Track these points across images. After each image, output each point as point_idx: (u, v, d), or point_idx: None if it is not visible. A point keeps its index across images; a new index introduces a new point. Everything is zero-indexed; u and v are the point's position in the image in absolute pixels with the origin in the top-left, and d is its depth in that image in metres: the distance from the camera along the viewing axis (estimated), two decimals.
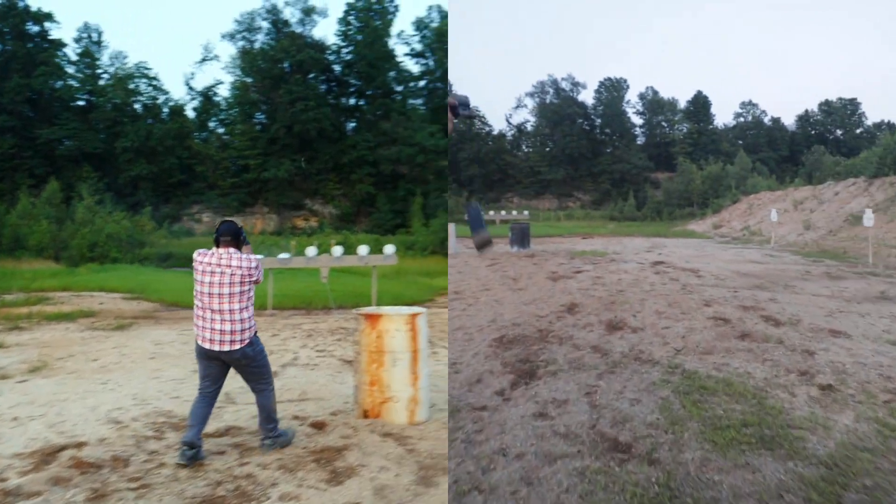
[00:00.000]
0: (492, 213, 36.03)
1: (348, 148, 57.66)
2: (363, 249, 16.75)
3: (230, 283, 6.29)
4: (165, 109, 59.71)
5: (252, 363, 6.45)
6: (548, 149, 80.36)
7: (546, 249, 26.50)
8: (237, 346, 6.30)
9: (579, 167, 78.06)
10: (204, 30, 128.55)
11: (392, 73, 61.16)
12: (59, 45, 58.07)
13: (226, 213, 56.53)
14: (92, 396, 8.38)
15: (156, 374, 9.74)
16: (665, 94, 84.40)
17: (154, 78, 58.93)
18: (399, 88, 62.11)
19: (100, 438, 6.67)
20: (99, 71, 59.76)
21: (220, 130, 62.33)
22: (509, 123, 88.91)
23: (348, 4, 60.82)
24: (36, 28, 56.74)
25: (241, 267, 6.38)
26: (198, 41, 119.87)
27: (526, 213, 33.91)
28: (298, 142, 57.10)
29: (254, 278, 6.48)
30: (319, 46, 60.83)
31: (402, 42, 69.98)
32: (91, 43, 60.14)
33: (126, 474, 5.77)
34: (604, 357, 8.11)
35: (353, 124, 62.01)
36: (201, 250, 6.51)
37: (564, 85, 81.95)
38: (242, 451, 6.34)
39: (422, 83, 65.37)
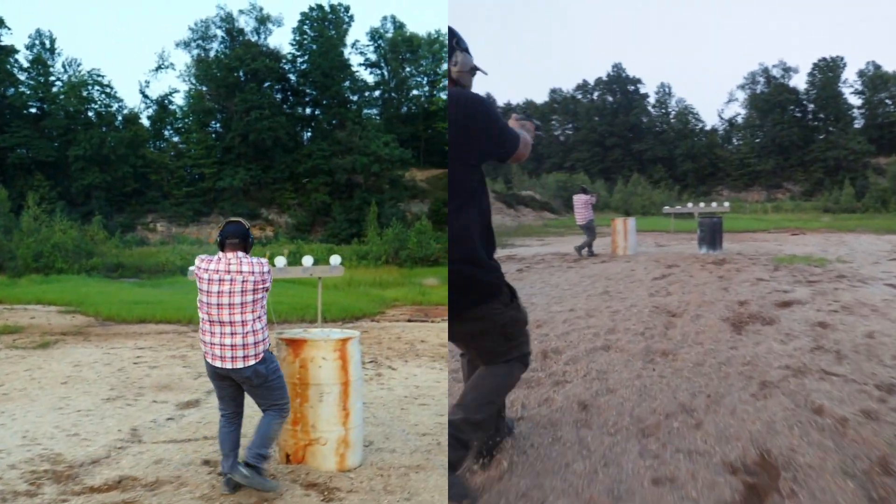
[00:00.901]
0: (689, 204, 31.02)
1: (304, 157, 56.39)
2: (307, 260, 15.43)
3: (241, 292, 5.31)
4: (119, 117, 57.89)
5: (265, 382, 5.41)
6: (757, 140, 78.12)
7: (743, 252, 20.16)
8: (250, 363, 5.29)
9: (790, 156, 74.55)
10: (159, 38, 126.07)
11: (347, 83, 59.92)
12: (11, 51, 55.93)
13: (181, 221, 54.90)
14: None
15: (61, 403, 8.37)
16: (890, 67, 77.55)
17: (108, 85, 57.02)
18: (354, 98, 60.93)
19: None
20: (52, 78, 57.70)
21: (176, 139, 60.68)
22: (721, 118, 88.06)
23: (303, 14, 59.64)
24: None
25: (252, 272, 5.34)
26: (153, 49, 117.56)
27: (726, 204, 29.47)
28: (254, 150, 55.66)
29: (266, 284, 5.44)
30: (274, 55, 59.46)
31: (357, 52, 68.95)
32: (44, 50, 58.13)
33: None
34: None
35: (308, 133, 60.74)
36: (204, 256, 5.47)
37: (775, 72, 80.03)
38: None
39: (377, 93, 64.32)
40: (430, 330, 15.10)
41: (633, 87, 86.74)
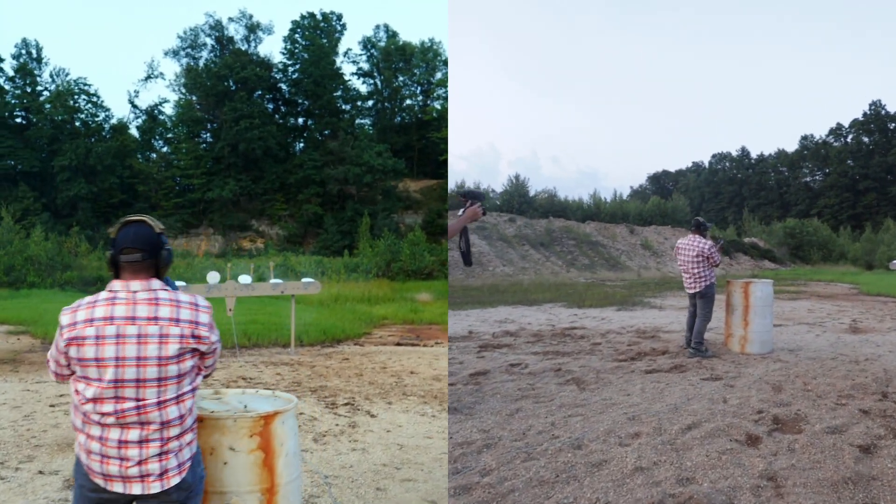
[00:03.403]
0: None
1: (295, 167, 54.10)
2: (275, 279, 13.12)
3: (160, 358, 2.79)
4: (107, 127, 55.44)
5: (189, 497, 2.91)
6: None
7: None
8: (173, 480, 2.82)
9: None
10: (148, 46, 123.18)
11: (339, 92, 57.65)
12: None
13: (169, 234, 51.87)
14: None
15: None
16: None
17: (94, 94, 54.60)
18: (346, 108, 58.66)
19: None
20: (39, 88, 55.32)
21: (165, 149, 58.30)
22: None
23: (294, 22, 57.39)
24: None
25: (178, 321, 2.83)
26: (142, 58, 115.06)
27: None
28: (244, 161, 53.29)
29: (206, 344, 2.92)
30: (265, 64, 57.22)
31: (349, 61, 66.59)
32: (30, 59, 55.68)
33: None
34: None
35: (300, 144, 58.51)
36: (73, 305, 2.89)
37: None
38: None
39: (369, 103, 62.22)
40: (421, 356, 12.68)
41: (894, 125, 79.98)
